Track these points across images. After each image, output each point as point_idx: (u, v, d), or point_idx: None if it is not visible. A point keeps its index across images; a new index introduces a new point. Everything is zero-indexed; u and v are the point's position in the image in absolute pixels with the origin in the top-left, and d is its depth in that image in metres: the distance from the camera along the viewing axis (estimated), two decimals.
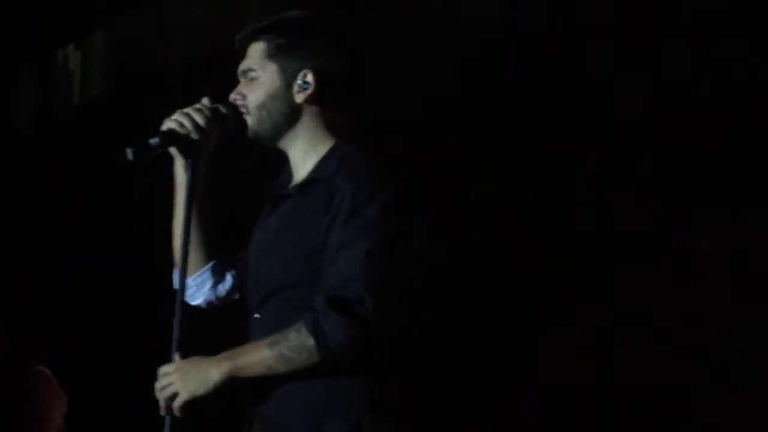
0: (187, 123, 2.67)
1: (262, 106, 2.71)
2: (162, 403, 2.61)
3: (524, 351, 3.96)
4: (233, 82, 2.78)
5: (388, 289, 2.54)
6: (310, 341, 2.51)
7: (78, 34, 5.42)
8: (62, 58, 5.54)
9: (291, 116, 2.72)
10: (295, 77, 2.71)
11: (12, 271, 4.75)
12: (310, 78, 2.71)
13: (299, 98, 2.71)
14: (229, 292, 2.86)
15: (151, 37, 5.18)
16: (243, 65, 2.76)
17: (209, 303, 2.86)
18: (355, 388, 2.58)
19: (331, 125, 2.73)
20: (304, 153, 2.73)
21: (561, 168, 3.91)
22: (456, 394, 3.99)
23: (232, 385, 2.58)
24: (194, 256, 2.77)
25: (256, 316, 2.72)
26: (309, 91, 2.71)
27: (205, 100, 2.72)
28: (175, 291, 2.73)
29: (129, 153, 2.61)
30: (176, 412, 2.59)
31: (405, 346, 2.66)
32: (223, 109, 2.72)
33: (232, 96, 2.74)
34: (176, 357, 2.62)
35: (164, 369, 2.62)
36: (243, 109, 2.73)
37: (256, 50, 2.74)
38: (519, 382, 3.96)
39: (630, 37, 3.74)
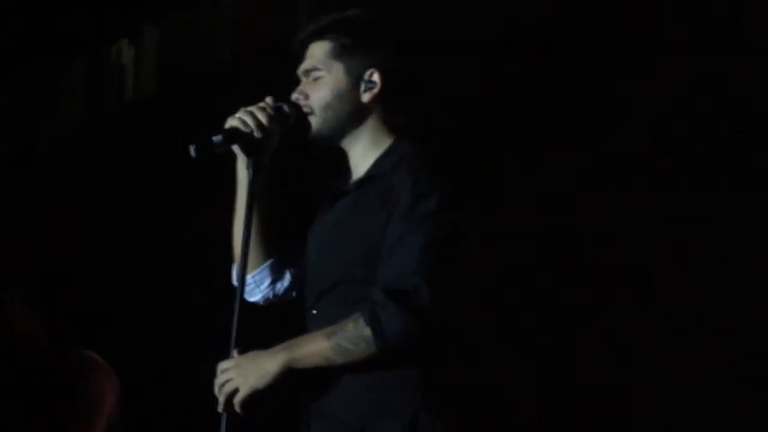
0: (250, 121, 2.68)
1: (328, 106, 2.72)
2: (222, 400, 2.62)
3: (565, 348, 3.97)
4: (285, 79, 2.79)
5: (444, 281, 2.55)
6: (368, 332, 2.52)
7: (131, 29, 5.45)
8: (115, 53, 5.57)
9: (356, 116, 2.73)
10: (361, 77, 2.72)
11: (63, 268, 4.79)
12: (376, 77, 2.72)
13: (366, 98, 2.73)
14: (288, 290, 2.87)
15: (204, 33, 5.21)
16: (306, 65, 2.76)
17: (267, 300, 2.87)
18: (411, 383, 2.59)
19: (392, 123, 2.75)
20: (365, 151, 2.75)
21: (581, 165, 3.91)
22: (506, 392, 4.00)
23: (290, 377, 2.59)
24: (253, 253, 2.78)
25: (313, 312, 2.74)
26: (375, 91, 2.72)
27: (269, 99, 2.73)
28: (234, 288, 2.75)
29: (192, 150, 2.63)
30: (237, 408, 2.61)
31: (459, 340, 2.67)
32: (286, 108, 2.73)
33: (295, 95, 2.76)
34: (234, 353, 2.63)
35: (223, 365, 2.63)
36: (307, 109, 2.74)
37: (320, 50, 2.75)
38: (560, 380, 3.96)
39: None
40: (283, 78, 2.81)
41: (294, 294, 2.88)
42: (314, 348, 2.58)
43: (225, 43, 5.10)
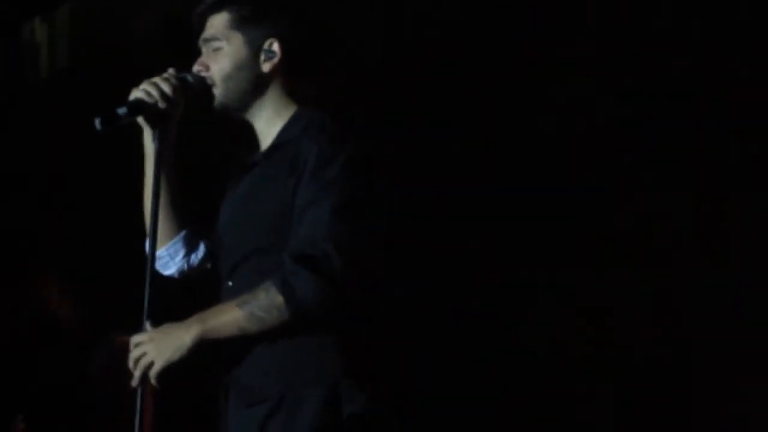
0: (154, 92, 2.67)
1: (228, 77, 2.72)
2: (137, 374, 2.61)
3: (503, 312, 4.01)
4: (194, 53, 2.78)
5: (355, 245, 2.56)
6: (280, 299, 2.53)
7: (44, 7, 5.39)
8: (28, 31, 5.50)
9: (257, 86, 2.73)
10: (261, 47, 2.72)
11: None
12: (276, 47, 2.72)
13: (266, 67, 2.73)
14: (202, 262, 2.87)
15: (116, 8, 5.16)
16: (206, 35, 2.76)
17: (182, 272, 2.87)
18: (329, 352, 2.60)
19: (295, 93, 2.75)
20: (269, 121, 2.75)
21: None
22: (428, 359, 4.03)
23: (205, 348, 2.59)
24: (166, 225, 2.78)
25: (228, 284, 2.74)
26: (275, 60, 2.72)
27: (172, 70, 2.72)
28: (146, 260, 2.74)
29: (97, 123, 2.61)
30: (153, 382, 2.60)
31: (376, 306, 2.68)
32: (190, 78, 2.73)
33: (196, 67, 2.75)
34: (147, 326, 2.63)
35: (136, 338, 2.63)
36: (209, 81, 2.73)
37: (219, 21, 2.74)
38: (495, 345, 4.00)
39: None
40: (196, 51, 2.79)
41: (209, 266, 2.87)
42: (228, 318, 2.58)
43: (136, 17, 5.05)
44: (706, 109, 3.75)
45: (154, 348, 2.59)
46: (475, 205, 4.04)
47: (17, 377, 3.71)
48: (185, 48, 2.85)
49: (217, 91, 2.73)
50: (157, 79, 2.69)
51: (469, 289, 4.05)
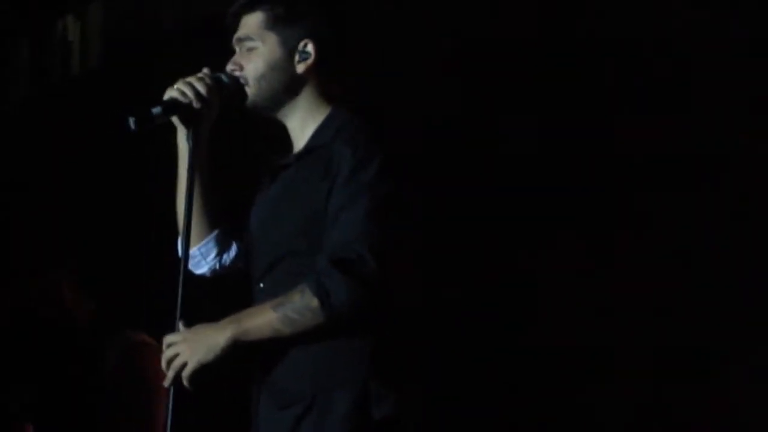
0: (189, 92, 2.67)
1: (262, 77, 2.71)
2: (170, 374, 2.61)
3: (522, 312, 3.99)
4: (228, 51, 2.78)
5: (389, 248, 2.56)
6: (315, 302, 2.52)
7: (76, 4, 5.40)
8: (61, 29, 5.52)
9: (291, 86, 2.72)
10: (295, 47, 2.71)
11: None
12: (310, 48, 2.71)
13: (300, 68, 2.72)
14: (234, 262, 2.86)
15: (149, 6, 5.17)
16: (240, 33, 2.75)
17: (214, 272, 2.86)
18: (360, 353, 2.60)
19: (328, 94, 2.74)
20: (302, 122, 2.74)
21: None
22: (456, 360, 4.02)
23: (238, 350, 2.58)
24: (198, 225, 2.78)
25: (260, 285, 2.73)
26: (309, 61, 2.71)
27: (206, 70, 2.72)
28: (179, 260, 2.74)
29: (131, 122, 2.61)
30: (185, 383, 2.60)
31: (407, 308, 2.68)
32: (225, 79, 2.72)
33: (230, 66, 2.74)
34: (180, 326, 2.62)
35: (169, 339, 2.62)
36: (242, 80, 2.72)
37: (254, 21, 2.73)
38: (518, 345, 3.99)
39: None
40: (224, 50, 2.79)
41: (241, 266, 2.87)
42: (262, 320, 2.57)
43: (169, 16, 5.06)
44: None
45: (188, 348, 2.59)
46: (483, 205, 4.04)
47: (27, 377, 3.70)
48: (218, 46, 2.85)
49: (250, 91, 2.72)
50: (191, 79, 2.69)
51: (486, 289, 4.04)
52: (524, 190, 3.97)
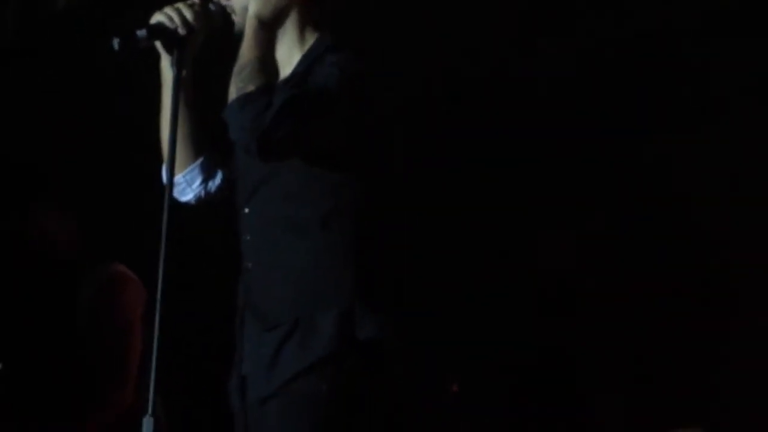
0: (176, 17, 2.67)
1: (248, 6, 2.70)
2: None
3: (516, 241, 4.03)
4: None
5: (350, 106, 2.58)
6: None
7: None
8: None
9: (282, 13, 2.71)
10: None
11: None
12: None
13: None
14: (219, 189, 2.88)
15: None
16: None
17: (199, 199, 2.88)
18: (343, 276, 2.64)
19: (314, 22, 2.74)
20: (288, 50, 2.74)
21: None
22: (443, 283, 4.05)
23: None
24: (182, 152, 2.79)
25: (245, 210, 2.75)
26: None
27: None
28: (163, 187, 2.75)
29: (115, 43, 2.61)
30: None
31: (391, 231, 2.69)
32: (212, 7, 2.72)
33: None
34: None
35: None
36: (228, 9, 2.73)
37: None
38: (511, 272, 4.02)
39: None
40: None
41: (227, 194, 2.88)
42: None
43: None
44: None
45: None
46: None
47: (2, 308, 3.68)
48: None
49: (237, 19, 2.72)
50: (180, 5, 2.70)
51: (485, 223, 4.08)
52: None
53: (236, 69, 2.60)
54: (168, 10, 2.69)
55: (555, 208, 4.11)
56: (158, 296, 2.57)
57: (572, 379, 4.17)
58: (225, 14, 2.73)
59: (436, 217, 4.11)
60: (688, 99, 3.98)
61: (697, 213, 3.94)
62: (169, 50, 2.70)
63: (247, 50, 2.61)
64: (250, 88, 2.55)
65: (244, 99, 2.54)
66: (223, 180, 2.87)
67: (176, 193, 2.83)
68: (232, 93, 2.57)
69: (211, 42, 2.76)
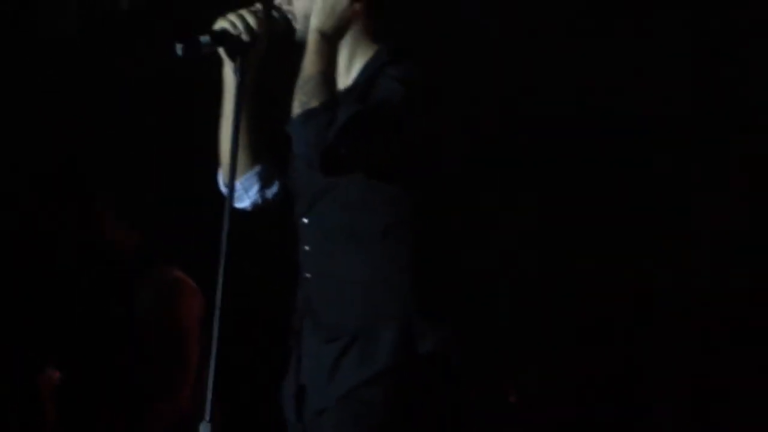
0: (239, 24, 2.66)
1: (310, 14, 2.68)
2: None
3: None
4: None
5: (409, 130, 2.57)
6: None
7: None
8: None
9: (344, 26, 2.69)
10: None
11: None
12: None
13: (355, 8, 2.68)
14: (276, 197, 2.86)
15: None
16: None
17: (255, 206, 2.86)
18: (404, 289, 2.62)
19: (376, 32, 2.72)
20: (348, 60, 2.72)
21: None
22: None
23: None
24: (242, 158, 2.77)
25: (304, 220, 2.74)
26: (364, 2, 2.68)
27: (259, 5, 2.71)
28: (220, 193, 2.75)
29: (178, 48, 2.60)
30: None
31: (451, 244, 2.67)
32: (275, 14, 2.71)
33: (278, 0, 2.72)
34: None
35: None
36: (290, 16, 2.71)
37: None
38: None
39: None
40: None
41: (283, 202, 2.86)
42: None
43: None
44: None
45: None
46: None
47: (57, 310, 3.67)
48: None
49: (298, 27, 2.71)
50: (243, 11, 2.68)
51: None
52: None
53: (299, 83, 2.59)
54: (231, 16, 2.67)
55: (617, 218, 4.06)
56: (217, 303, 2.56)
57: (632, 388, 4.12)
58: (287, 21, 2.71)
59: (495, 229, 4.08)
60: None
61: None
62: (231, 56, 2.68)
63: (310, 64, 2.60)
64: (314, 102, 2.54)
65: (308, 114, 2.53)
66: (280, 188, 2.85)
67: (233, 199, 2.81)
68: (296, 107, 2.56)
69: (272, 48, 2.74)
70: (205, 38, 2.64)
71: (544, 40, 4.16)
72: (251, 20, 2.66)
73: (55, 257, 3.66)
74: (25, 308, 3.70)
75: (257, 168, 2.83)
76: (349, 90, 2.70)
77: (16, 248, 3.73)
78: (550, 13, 4.11)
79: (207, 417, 2.47)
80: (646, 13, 4.09)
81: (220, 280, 2.56)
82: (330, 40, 2.63)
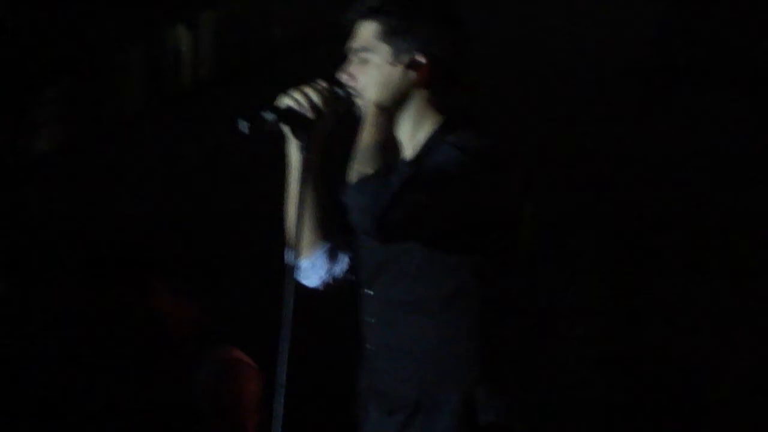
0: (303, 101, 2.67)
1: (374, 90, 2.69)
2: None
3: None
4: (337, 61, 2.77)
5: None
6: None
7: (188, 14, 5.47)
8: (172, 38, 5.59)
9: (402, 98, 2.70)
10: (408, 60, 2.68)
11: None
12: (423, 60, 2.68)
13: (412, 81, 2.69)
14: (345, 273, 2.84)
15: (259, 16, 5.21)
16: (354, 44, 2.73)
17: (326, 285, 2.84)
18: (467, 358, 2.60)
19: (438, 103, 2.72)
20: (411, 132, 2.72)
21: None
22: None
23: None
24: (309, 237, 2.77)
25: (368, 292, 2.73)
26: (422, 74, 2.69)
27: (323, 82, 2.71)
28: (287, 271, 2.72)
29: (242, 125, 2.61)
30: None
31: (512, 311, 2.65)
32: (339, 91, 2.71)
33: (342, 76, 2.73)
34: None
35: None
36: (352, 90, 2.71)
37: (368, 30, 2.72)
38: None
39: None
40: (334, 61, 2.78)
41: (353, 278, 2.85)
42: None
43: (279, 26, 5.09)
44: None
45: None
46: None
47: (117, 390, 3.67)
48: (325, 55, 2.84)
49: (362, 102, 2.71)
50: (307, 88, 2.69)
51: None
52: None
53: (356, 153, 2.59)
54: (295, 93, 2.68)
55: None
56: (278, 380, 2.56)
57: None
58: (351, 97, 2.72)
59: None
60: None
61: None
62: (296, 134, 2.69)
63: (366, 135, 2.61)
64: (369, 170, 2.54)
65: (363, 181, 2.54)
66: (348, 264, 2.84)
67: (301, 278, 2.80)
68: (352, 177, 2.56)
69: (337, 125, 2.75)
70: (270, 115, 2.64)
71: None
72: (315, 97, 2.67)
73: (116, 337, 3.67)
74: (86, 388, 3.70)
75: (326, 245, 2.82)
76: (410, 162, 2.69)
77: (77, 328, 3.74)
78: None
79: None
80: None
81: (282, 357, 2.56)
82: (386, 112, 2.64)
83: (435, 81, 2.70)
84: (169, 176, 5.10)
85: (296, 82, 2.72)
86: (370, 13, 2.72)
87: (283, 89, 2.71)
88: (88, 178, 5.54)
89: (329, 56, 2.85)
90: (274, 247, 2.87)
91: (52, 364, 3.75)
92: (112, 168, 5.48)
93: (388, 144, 2.61)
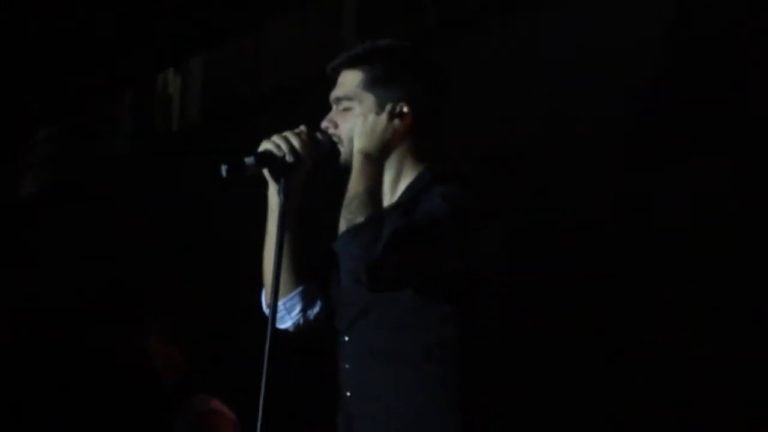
0: (283, 146, 2.69)
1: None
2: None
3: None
4: (326, 108, 2.79)
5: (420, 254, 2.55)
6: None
7: (177, 59, 5.50)
8: (161, 82, 5.62)
9: (388, 146, 2.71)
10: (391, 109, 2.70)
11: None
12: (405, 110, 2.71)
13: (396, 129, 2.70)
14: (318, 317, 2.85)
15: (248, 61, 5.24)
16: (337, 93, 2.76)
17: (297, 327, 2.86)
18: (451, 409, 2.59)
19: (419, 153, 2.74)
20: (393, 180, 2.74)
21: None
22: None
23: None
24: (284, 279, 2.77)
25: (345, 338, 2.73)
26: (404, 123, 2.70)
27: (303, 127, 2.74)
28: (262, 313, 2.75)
29: (223, 170, 2.64)
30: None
31: (496, 357, 2.65)
32: (319, 136, 2.74)
33: (325, 124, 2.76)
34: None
35: None
36: (335, 138, 2.74)
37: (352, 79, 2.74)
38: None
39: None
40: (324, 106, 2.81)
41: (325, 321, 2.86)
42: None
43: (268, 72, 5.12)
44: None
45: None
46: None
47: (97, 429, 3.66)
48: (315, 105, 2.87)
49: (343, 150, 2.73)
50: (287, 134, 2.71)
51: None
52: None
53: (345, 202, 2.61)
54: (276, 138, 2.71)
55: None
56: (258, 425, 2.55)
57: None
58: (332, 144, 2.74)
59: (540, 355, 4.05)
60: None
61: None
62: (276, 178, 2.71)
63: (355, 183, 2.62)
64: (360, 219, 2.55)
65: (354, 230, 2.55)
66: (321, 308, 2.85)
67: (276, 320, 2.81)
68: (342, 225, 2.58)
69: (317, 171, 2.77)
70: (249, 159, 2.67)
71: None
72: (295, 142, 2.69)
73: (101, 378, 3.67)
74: (67, 424, 3.69)
75: (300, 288, 2.83)
76: (393, 207, 2.71)
77: (64, 367, 3.74)
78: None
79: None
80: None
81: (261, 403, 2.56)
82: (374, 161, 2.66)
83: (418, 130, 2.72)
84: (155, 219, 5.11)
85: (284, 127, 2.75)
86: (354, 62, 2.75)
87: (269, 135, 2.74)
88: (77, 220, 5.55)
89: (318, 102, 2.88)
90: (256, 291, 2.88)
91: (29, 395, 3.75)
92: (99, 209, 5.49)
93: (376, 192, 2.63)
